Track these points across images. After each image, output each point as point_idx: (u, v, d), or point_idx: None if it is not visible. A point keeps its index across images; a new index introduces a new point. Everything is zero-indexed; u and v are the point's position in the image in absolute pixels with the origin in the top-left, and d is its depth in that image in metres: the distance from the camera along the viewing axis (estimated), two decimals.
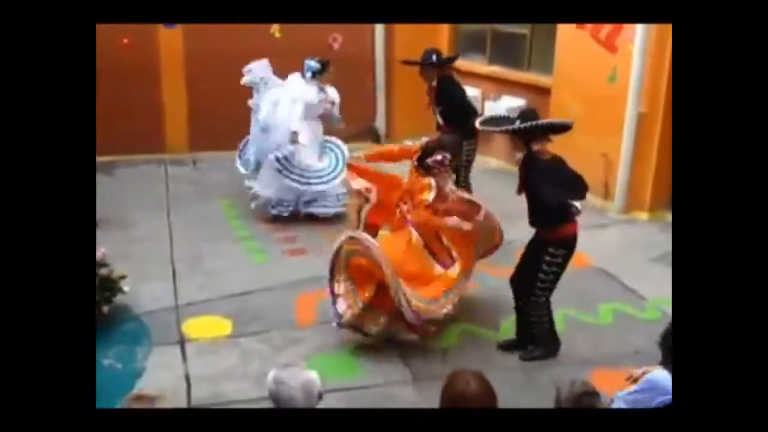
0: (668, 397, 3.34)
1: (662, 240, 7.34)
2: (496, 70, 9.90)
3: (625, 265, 7.03)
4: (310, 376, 3.34)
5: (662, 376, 3.42)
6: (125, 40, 9.23)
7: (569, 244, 5.36)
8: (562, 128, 5.41)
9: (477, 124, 5.67)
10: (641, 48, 7.64)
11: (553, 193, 5.18)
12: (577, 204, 5.26)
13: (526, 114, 5.43)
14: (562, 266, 5.39)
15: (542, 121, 5.29)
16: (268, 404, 3.32)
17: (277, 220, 8.07)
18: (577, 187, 5.31)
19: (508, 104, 9.34)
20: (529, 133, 5.24)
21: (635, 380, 3.65)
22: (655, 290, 6.40)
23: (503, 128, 5.43)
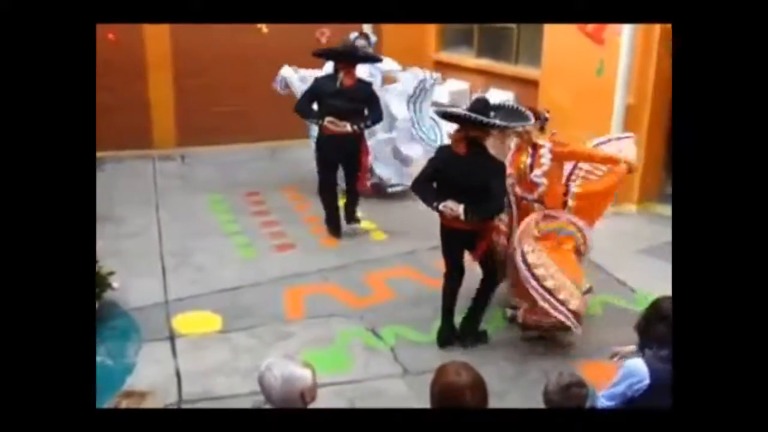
0: (644, 383, 3.47)
1: (651, 232, 7.37)
2: (483, 63, 9.89)
3: (615, 258, 7.04)
4: (298, 372, 3.16)
5: (638, 363, 3.54)
6: (110, 36, 9.14)
7: (441, 232, 5.52)
8: (458, 119, 5.26)
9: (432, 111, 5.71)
10: (629, 40, 7.66)
11: (416, 180, 5.48)
12: (452, 205, 5.15)
13: (473, 102, 5.36)
14: (442, 248, 5.60)
15: (452, 109, 5.35)
16: (259, 398, 3.29)
17: (263, 214, 8.14)
18: (491, 200, 5.20)
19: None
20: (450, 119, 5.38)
21: (620, 357, 3.94)
22: (645, 282, 6.42)
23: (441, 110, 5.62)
